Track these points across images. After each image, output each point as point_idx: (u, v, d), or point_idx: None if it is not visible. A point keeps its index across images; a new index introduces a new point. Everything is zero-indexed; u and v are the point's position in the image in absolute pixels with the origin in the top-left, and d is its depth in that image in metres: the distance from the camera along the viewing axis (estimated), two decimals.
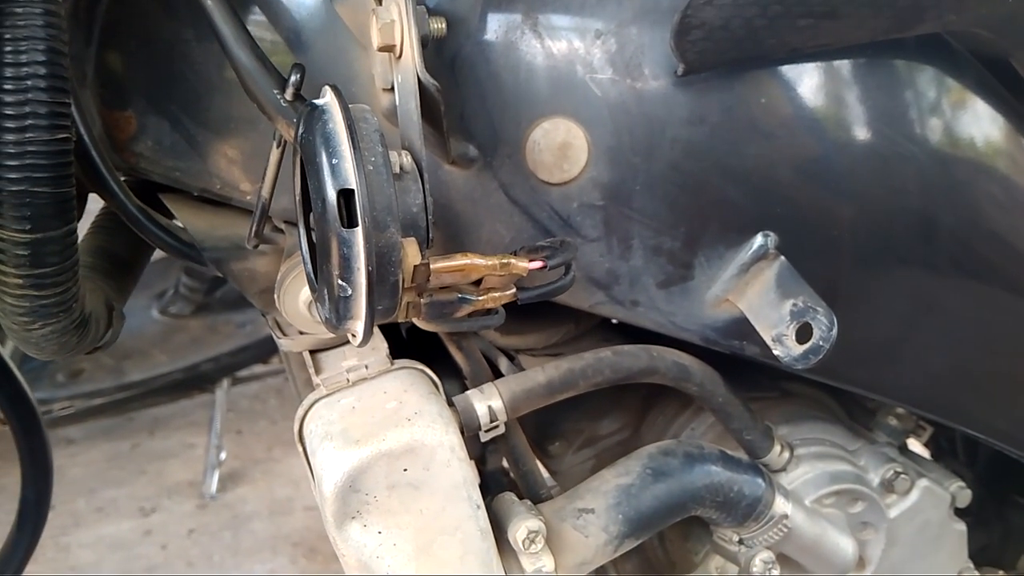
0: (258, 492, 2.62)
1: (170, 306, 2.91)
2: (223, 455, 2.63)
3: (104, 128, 0.81)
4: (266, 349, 2.90)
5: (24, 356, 1.03)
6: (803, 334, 0.73)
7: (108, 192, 0.79)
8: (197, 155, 0.80)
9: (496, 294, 0.67)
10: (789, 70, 0.75)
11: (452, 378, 0.89)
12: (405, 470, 0.70)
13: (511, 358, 0.93)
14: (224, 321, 2.94)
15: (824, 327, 0.71)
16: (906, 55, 0.79)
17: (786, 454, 0.91)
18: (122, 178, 0.84)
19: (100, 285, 0.86)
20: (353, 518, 0.70)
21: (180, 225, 0.84)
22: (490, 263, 0.64)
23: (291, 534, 2.44)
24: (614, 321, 0.99)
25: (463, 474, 0.71)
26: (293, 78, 0.70)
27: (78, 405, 2.69)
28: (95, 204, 0.87)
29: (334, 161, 0.58)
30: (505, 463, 1.08)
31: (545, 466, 1.03)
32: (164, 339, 2.85)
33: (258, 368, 2.99)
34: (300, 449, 0.75)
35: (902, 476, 0.96)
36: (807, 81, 0.76)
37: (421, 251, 0.63)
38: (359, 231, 0.58)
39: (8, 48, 0.64)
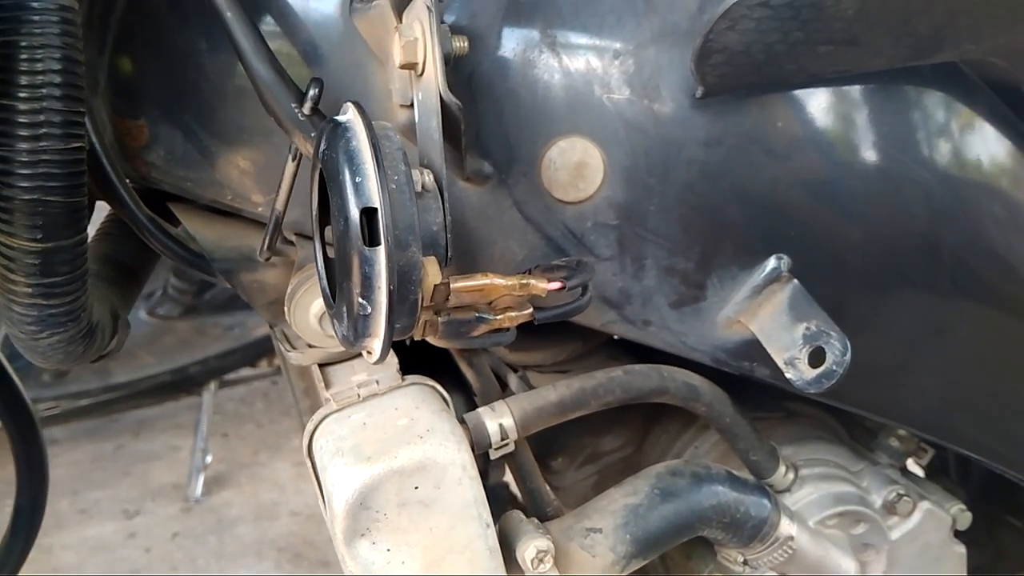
0: (243, 496, 2.60)
1: (158, 307, 2.88)
2: (208, 458, 2.61)
3: (116, 136, 0.80)
4: (254, 352, 2.89)
5: (12, 354, 1.02)
6: (816, 358, 0.73)
7: (118, 201, 0.79)
8: (209, 165, 0.79)
9: (513, 313, 0.67)
10: (805, 94, 0.76)
11: (457, 392, 0.89)
12: (416, 488, 0.69)
13: (520, 374, 0.92)
14: (212, 324, 2.92)
15: (837, 352, 0.71)
16: (920, 81, 0.80)
17: (791, 475, 0.92)
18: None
19: (105, 293, 0.85)
20: (363, 535, 0.70)
21: (188, 234, 0.84)
22: (510, 283, 0.64)
23: (276, 539, 2.42)
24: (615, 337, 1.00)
25: (473, 493, 0.71)
26: (312, 92, 0.70)
27: (64, 405, 2.65)
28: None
29: (358, 179, 0.58)
30: (506, 478, 1.08)
31: (547, 481, 1.03)
32: (151, 341, 2.82)
33: (245, 372, 2.97)
34: (309, 464, 0.74)
35: (904, 498, 0.96)
36: (823, 106, 0.76)
37: (440, 270, 0.63)
38: (381, 250, 0.57)
39: (23, 56, 0.64)
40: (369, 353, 0.64)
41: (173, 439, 2.80)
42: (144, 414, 2.87)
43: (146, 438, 2.83)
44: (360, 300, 0.58)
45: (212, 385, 2.82)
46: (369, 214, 0.58)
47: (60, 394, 2.64)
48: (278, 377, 3.08)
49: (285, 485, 2.62)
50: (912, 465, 1.12)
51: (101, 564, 2.36)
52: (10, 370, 0.97)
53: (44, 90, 0.64)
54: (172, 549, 2.40)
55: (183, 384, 2.81)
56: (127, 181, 0.80)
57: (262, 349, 2.87)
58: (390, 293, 0.58)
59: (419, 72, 0.67)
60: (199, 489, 2.54)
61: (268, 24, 0.76)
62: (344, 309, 0.61)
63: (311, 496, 2.54)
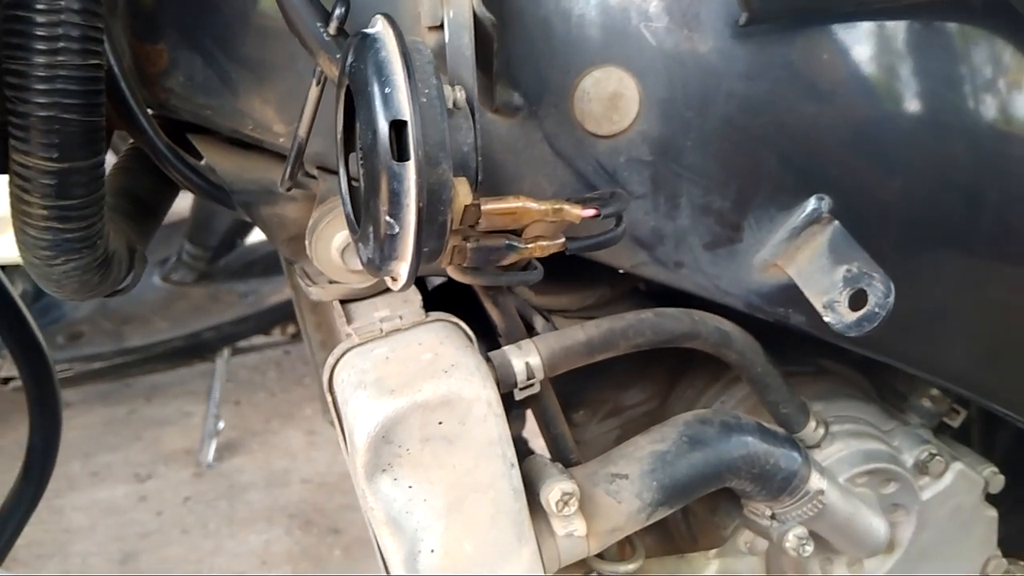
0: (255, 463, 2.60)
1: (172, 273, 2.88)
2: (221, 424, 2.62)
3: (134, 61, 0.77)
4: (267, 320, 2.88)
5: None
6: (856, 301, 0.70)
7: (137, 127, 0.76)
8: (230, 93, 0.77)
9: (544, 243, 0.64)
10: (852, 29, 0.73)
11: (481, 338, 0.87)
12: (440, 423, 0.67)
13: (545, 318, 0.90)
14: (227, 290, 2.91)
15: (880, 293, 0.68)
16: (972, 19, 0.76)
17: (821, 430, 0.89)
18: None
19: (122, 226, 0.83)
20: (384, 471, 0.67)
21: (208, 167, 0.81)
22: (543, 208, 0.61)
23: (287, 506, 2.42)
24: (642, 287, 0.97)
25: (499, 431, 0.69)
26: (338, 11, 0.67)
27: (77, 368, 2.65)
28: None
29: (387, 91, 0.55)
30: (524, 433, 1.06)
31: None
32: (165, 306, 2.83)
33: (258, 340, 2.97)
34: (328, 399, 0.72)
35: (937, 458, 0.94)
36: (871, 40, 0.73)
37: (471, 191, 0.60)
38: (411, 165, 0.55)
39: None
40: (394, 279, 0.61)
41: (185, 405, 2.82)
42: (157, 379, 2.89)
43: (158, 403, 2.85)
44: (388, 219, 0.56)
45: (225, 352, 2.81)
46: (398, 127, 0.55)
47: (73, 356, 2.64)
48: (291, 346, 3.08)
49: (296, 453, 2.62)
50: None
51: (112, 526, 2.37)
52: (26, 312, 0.96)
53: (62, 2, 0.62)
54: (183, 513, 2.40)
55: (196, 350, 2.81)
56: (146, 108, 0.77)
57: (276, 316, 2.87)
58: (419, 211, 0.55)
59: None
60: (211, 455, 2.56)
61: None
62: (370, 230, 0.58)
63: (322, 464, 2.54)
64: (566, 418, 0.90)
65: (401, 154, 0.55)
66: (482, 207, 0.59)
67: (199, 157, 0.83)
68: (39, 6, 0.61)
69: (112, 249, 0.75)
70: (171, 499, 2.46)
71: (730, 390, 0.96)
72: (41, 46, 0.62)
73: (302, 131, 0.72)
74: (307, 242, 0.76)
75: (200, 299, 2.90)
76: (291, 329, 2.94)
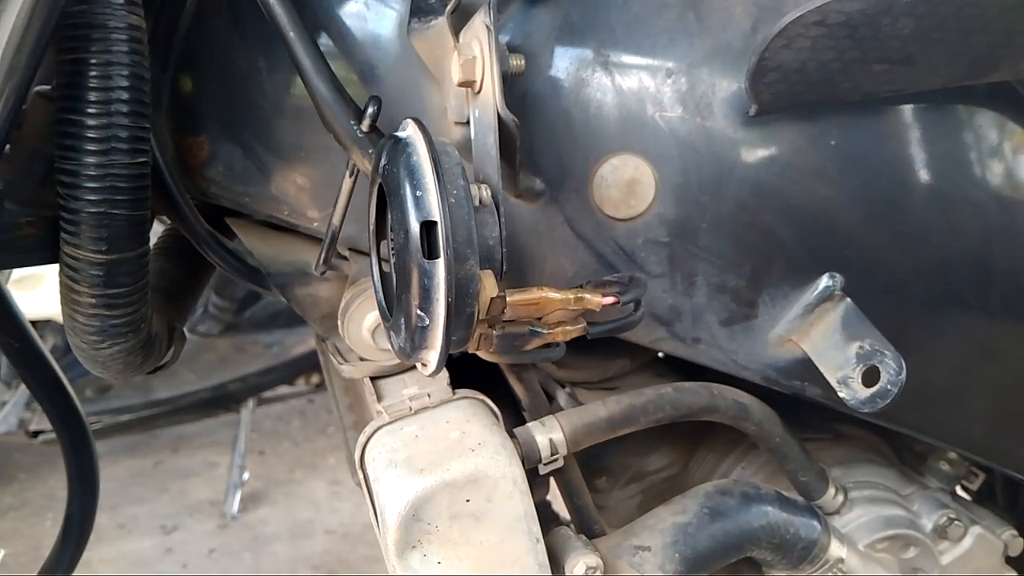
0: (279, 514, 2.61)
1: (199, 325, 2.92)
2: (246, 475, 2.64)
3: (177, 153, 0.82)
4: (292, 371, 2.92)
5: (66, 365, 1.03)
6: (869, 377, 0.72)
7: (179, 215, 0.81)
8: (267, 182, 0.81)
9: (567, 328, 0.67)
10: (859, 113, 0.76)
11: (506, 408, 0.89)
12: (468, 501, 0.70)
13: (568, 391, 0.93)
14: (252, 341, 2.95)
15: (892, 371, 0.70)
16: (974, 101, 0.79)
17: (840, 497, 0.90)
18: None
19: (163, 306, 0.87)
20: (414, 547, 0.70)
21: (244, 249, 0.85)
22: (564, 297, 0.65)
23: (311, 557, 2.43)
24: (661, 355, 0.99)
25: (524, 507, 0.71)
26: (370, 110, 0.71)
27: (106, 420, 2.70)
28: None
29: (418, 193, 0.59)
30: (548, 496, 1.07)
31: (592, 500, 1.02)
32: (192, 358, 2.86)
33: (283, 390, 3.00)
34: (360, 476, 0.75)
35: (956, 522, 0.95)
36: (877, 125, 0.76)
37: (496, 283, 0.63)
38: (440, 262, 0.58)
39: (93, 73, 0.66)
40: (424, 365, 0.64)
41: (211, 456, 2.84)
42: (183, 430, 2.91)
43: (184, 454, 2.87)
44: (419, 312, 0.59)
45: (250, 402, 2.85)
46: (429, 227, 0.59)
47: (102, 409, 2.68)
48: (315, 396, 3.11)
49: (320, 503, 2.63)
50: (961, 492, 1.10)
51: None
52: (66, 381, 0.99)
53: (113, 106, 0.66)
54: (208, 565, 2.41)
55: (222, 401, 2.84)
56: (187, 196, 0.81)
57: (300, 367, 2.91)
58: (448, 305, 0.59)
59: (476, 90, 0.68)
60: (236, 506, 2.57)
61: (326, 44, 0.78)
62: (402, 321, 0.61)
63: (346, 515, 2.55)
64: (589, 484, 0.92)
65: (431, 252, 0.59)
66: (507, 299, 0.63)
67: (233, 238, 0.87)
68: (91, 110, 0.66)
69: (155, 331, 0.79)
70: (196, 551, 2.47)
71: (749, 456, 0.98)
72: (92, 147, 0.66)
73: (336, 219, 0.76)
74: (339, 322, 0.80)
75: (226, 350, 2.94)
76: (315, 379, 2.97)
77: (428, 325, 0.60)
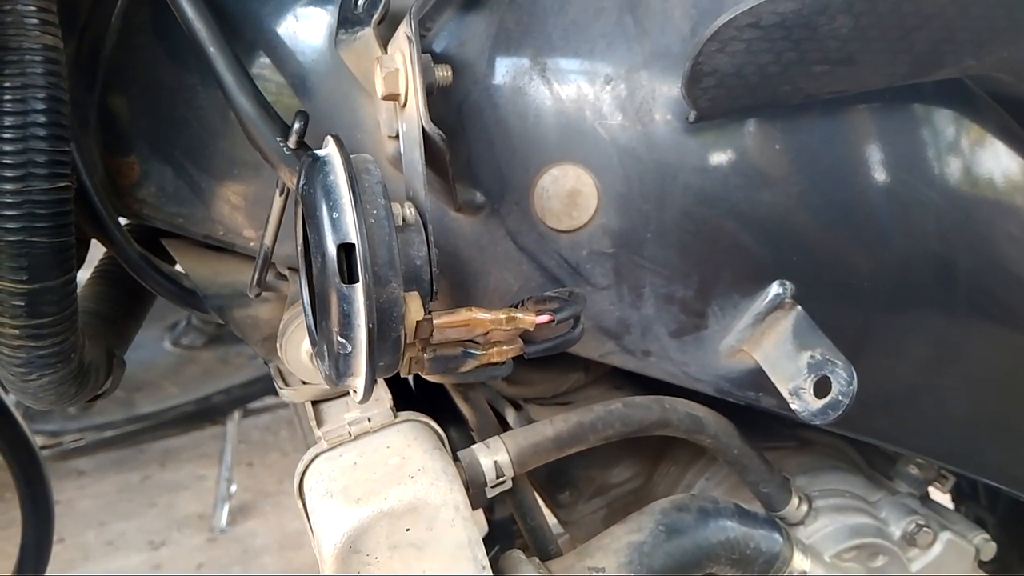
0: (268, 525, 2.59)
1: (182, 337, 2.91)
2: (233, 488, 2.62)
3: (107, 174, 0.80)
4: None
5: None
6: (821, 388, 0.70)
7: (109, 239, 0.78)
8: (200, 201, 0.79)
9: (503, 347, 0.65)
10: (803, 116, 0.73)
11: (461, 425, 0.87)
12: (408, 530, 0.67)
13: (518, 407, 0.90)
14: (236, 352, 2.94)
15: (843, 381, 0.68)
16: (923, 99, 0.77)
17: (804, 507, 0.88)
18: (124, 223, 0.83)
19: (102, 332, 0.85)
20: None
21: (182, 271, 0.83)
22: (495, 317, 0.62)
23: (301, 568, 2.41)
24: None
25: (468, 534, 0.69)
26: (296, 125, 0.69)
27: (89, 437, 2.70)
28: (97, 250, 0.86)
29: (335, 215, 0.57)
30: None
31: (555, 515, 1.00)
32: (175, 371, 2.86)
33: (269, 399, 2.98)
34: (300, 505, 0.72)
35: (924, 529, 0.92)
36: (822, 127, 0.73)
37: (424, 305, 0.61)
38: (359, 287, 0.56)
39: (8, 97, 0.63)
40: (354, 392, 0.62)
41: (199, 468, 2.82)
42: (170, 444, 2.90)
43: (172, 468, 2.85)
44: (339, 339, 0.57)
45: (236, 414, 2.83)
46: (347, 250, 0.56)
47: (85, 426, 2.68)
48: None
49: None
50: (937, 494, 1.08)
51: None
52: (13, 409, 0.97)
53: (29, 130, 0.64)
54: None
55: (208, 414, 2.84)
56: (118, 219, 0.79)
57: None
58: (370, 331, 0.56)
59: (402, 103, 0.66)
60: (224, 519, 2.55)
61: (256, 57, 0.76)
62: (325, 348, 0.59)
63: None
64: (552, 499, 0.90)
65: (351, 276, 0.56)
66: (435, 321, 0.60)
67: (172, 260, 0.85)
68: (6, 135, 0.63)
69: (89, 359, 0.76)
70: (185, 566, 2.45)
71: (713, 467, 0.96)
72: (8, 173, 0.64)
73: (268, 239, 0.74)
74: (277, 344, 0.77)
75: (210, 363, 2.92)
76: None
77: (351, 352, 0.58)
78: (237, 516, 2.61)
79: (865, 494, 0.95)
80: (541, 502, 0.98)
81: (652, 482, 1.01)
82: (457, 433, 0.90)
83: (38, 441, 2.67)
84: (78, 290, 0.73)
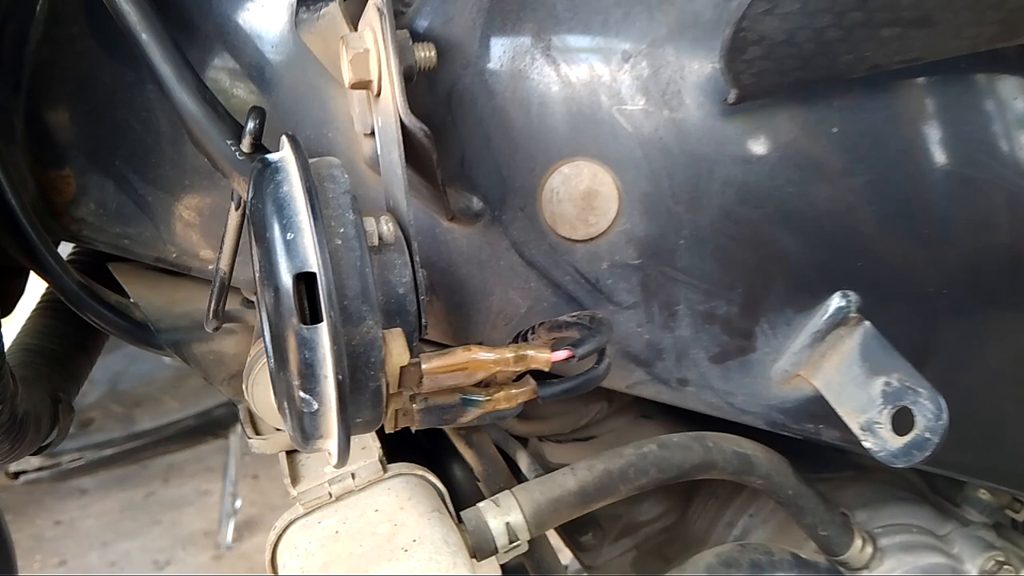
0: None
1: None
2: (238, 503, 2.56)
3: (38, 191, 0.69)
4: None
5: None
6: (901, 422, 0.58)
7: (42, 266, 0.67)
8: (148, 218, 0.68)
9: (511, 391, 0.52)
10: (865, 92, 0.62)
11: (466, 469, 0.75)
12: None
13: (530, 450, 0.78)
14: None
15: (930, 414, 0.56)
16: (1002, 68, 0.65)
17: (868, 548, 0.77)
18: (72, 247, 0.71)
19: (45, 373, 0.73)
20: None
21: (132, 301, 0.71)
22: (501, 357, 0.50)
23: None
24: None
25: None
26: (250, 125, 0.57)
27: (88, 456, 2.66)
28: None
29: (289, 235, 0.45)
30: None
31: (577, 559, 0.88)
32: (175, 384, 2.83)
33: None
34: None
35: (1005, 567, 0.80)
36: (888, 105, 0.63)
37: (410, 345, 0.49)
38: (323, 328, 0.44)
39: None
40: (328, 455, 0.50)
41: (203, 483, 2.76)
42: (174, 458, 2.85)
43: (176, 483, 2.79)
44: (302, 395, 0.45)
45: (239, 427, 2.75)
46: (307, 280, 0.44)
47: (84, 444, 2.65)
48: None
49: None
50: None
51: None
52: None
53: None
54: None
55: (209, 427, 2.79)
56: (53, 243, 0.68)
57: None
58: (340, 384, 0.44)
59: (376, 92, 0.54)
60: (230, 535, 2.48)
61: (210, 47, 0.64)
62: (285, 404, 0.47)
63: None
64: (573, 542, 0.78)
65: (312, 314, 0.44)
66: (424, 366, 0.48)
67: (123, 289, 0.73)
68: None
69: (24, 410, 0.65)
70: None
71: (757, 501, 0.84)
72: None
73: (224, 262, 0.62)
74: (244, 386, 0.65)
75: None
76: None
77: (317, 410, 0.45)
78: (243, 531, 2.55)
79: (934, 527, 0.84)
80: (560, 541, 0.87)
81: (687, 519, 0.89)
82: (462, 473, 0.78)
83: (35, 462, 2.63)
84: (22, 323, 0.61)
